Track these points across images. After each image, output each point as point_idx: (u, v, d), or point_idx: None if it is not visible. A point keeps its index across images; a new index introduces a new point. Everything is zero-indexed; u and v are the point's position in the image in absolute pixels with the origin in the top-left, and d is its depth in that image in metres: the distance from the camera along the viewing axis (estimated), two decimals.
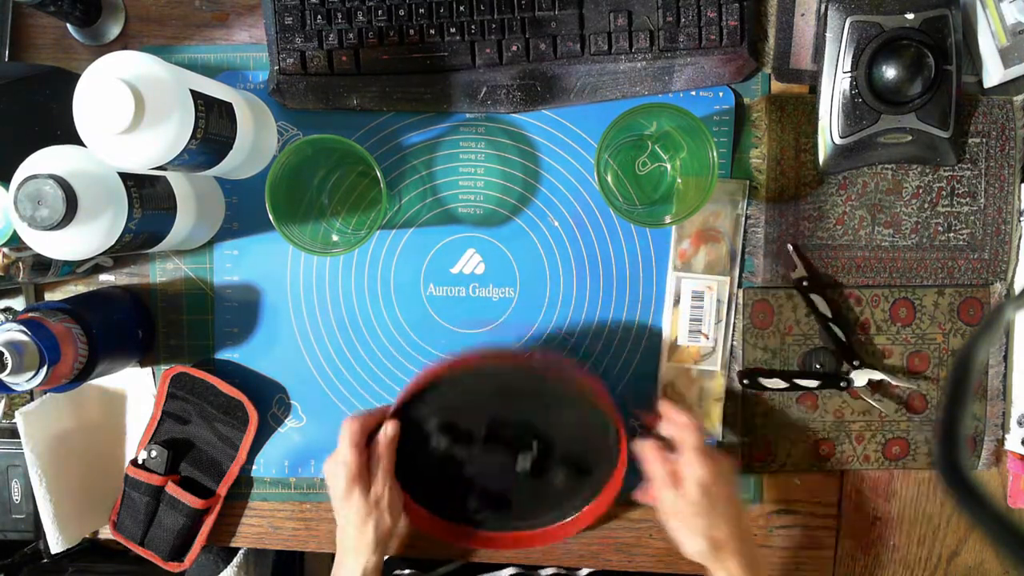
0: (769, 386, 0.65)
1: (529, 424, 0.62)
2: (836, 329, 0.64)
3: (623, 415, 0.62)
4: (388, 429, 0.60)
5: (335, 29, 0.61)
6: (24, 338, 0.53)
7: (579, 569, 0.73)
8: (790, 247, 0.65)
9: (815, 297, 0.64)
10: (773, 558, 0.69)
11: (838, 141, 0.62)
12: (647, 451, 0.59)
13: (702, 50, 0.63)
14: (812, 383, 0.64)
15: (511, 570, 0.73)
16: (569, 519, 0.65)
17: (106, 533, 0.68)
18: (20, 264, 0.59)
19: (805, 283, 0.64)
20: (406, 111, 0.65)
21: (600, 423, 0.62)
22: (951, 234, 0.66)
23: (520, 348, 0.66)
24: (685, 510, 0.57)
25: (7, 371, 0.51)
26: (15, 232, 0.54)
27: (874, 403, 0.66)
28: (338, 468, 0.59)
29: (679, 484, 0.57)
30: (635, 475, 0.62)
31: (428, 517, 0.65)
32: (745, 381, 0.65)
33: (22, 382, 0.53)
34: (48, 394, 0.65)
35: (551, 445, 0.63)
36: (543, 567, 0.72)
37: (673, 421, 0.60)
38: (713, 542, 0.56)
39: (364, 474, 0.59)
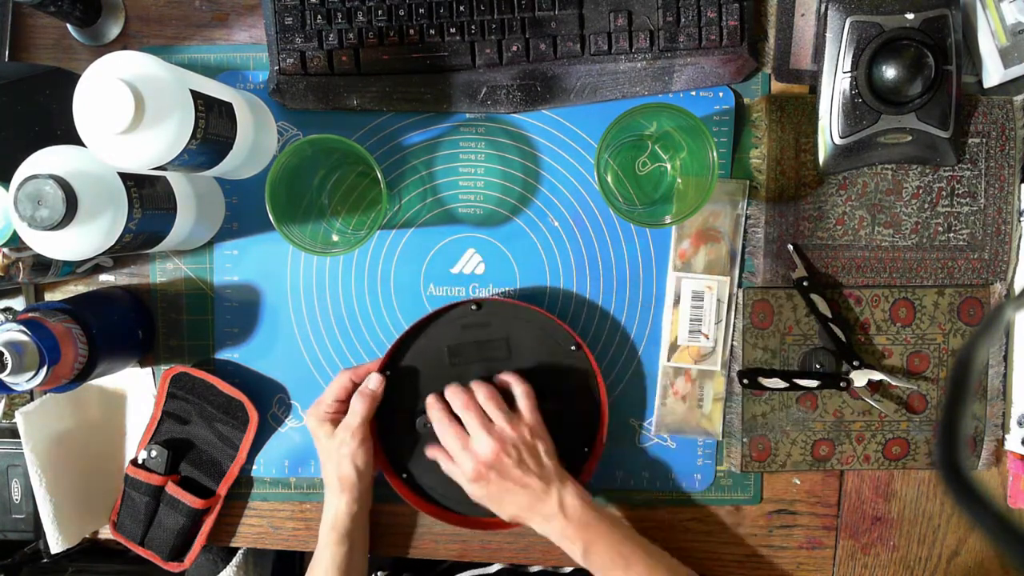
0: (769, 386, 0.65)
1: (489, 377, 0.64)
2: (836, 329, 0.64)
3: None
4: (371, 382, 0.62)
5: (335, 29, 0.61)
6: (24, 338, 0.53)
7: (564, 567, 0.73)
8: (790, 247, 0.65)
9: (815, 297, 0.64)
10: (773, 558, 0.69)
11: (838, 141, 0.62)
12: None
13: (702, 50, 0.63)
14: (812, 383, 0.64)
15: (498, 566, 0.73)
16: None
17: (106, 533, 0.68)
18: (20, 264, 0.59)
19: (805, 283, 0.64)
20: (406, 111, 0.65)
21: (559, 343, 0.64)
22: (951, 234, 0.66)
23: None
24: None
25: (7, 371, 0.51)
26: (15, 232, 0.54)
27: (874, 403, 0.66)
28: (315, 409, 0.62)
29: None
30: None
31: (411, 496, 0.65)
32: (745, 381, 0.65)
33: (22, 382, 0.53)
34: (48, 394, 0.65)
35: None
36: (532, 566, 0.72)
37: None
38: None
39: (334, 419, 0.62)
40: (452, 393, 0.61)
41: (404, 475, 0.65)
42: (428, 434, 0.63)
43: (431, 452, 0.62)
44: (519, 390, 0.61)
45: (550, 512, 0.58)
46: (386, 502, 0.67)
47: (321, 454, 0.63)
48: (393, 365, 0.64)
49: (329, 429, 0.61)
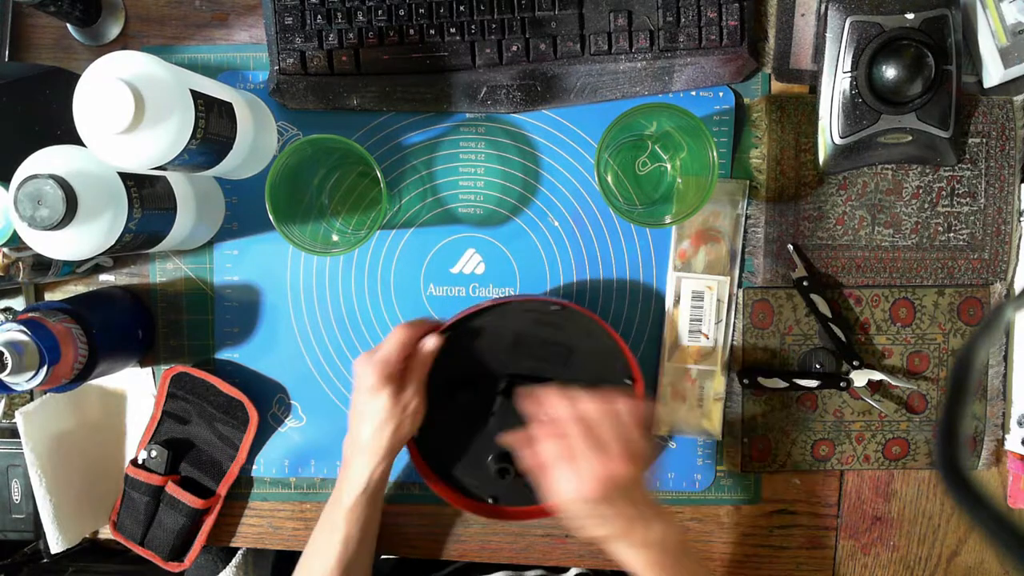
0: (769, 386, 0.65)
1: (547, 379, 0.63)
2: (836, 329, 0.64)
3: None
4: (431, 342, 0.60)
5: (335, 29, 0.61)
6: (24, 338, 0.53)
7: (568, 569, 0.73)
8: (790, 247, 0.65)
9: (815, 297, 0.64)
10: (773, 558, 0.69)
11: (838, 141, 0.62)
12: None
13: (702, 50, 0.63)
14: (812, 383, 0.64)
15: (504, 573, 0.73)
16: None
17: (106, 533, 0.68)
18: (20, 264, 0.59)
19: (805, 283, 0.64)
20: (406, 111, 0.65)
21: (617, 375, 0.63)
22: (951, 234, 0.66)
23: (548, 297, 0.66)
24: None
25: (7, 371, 0.51)
26: (15, 232, 0.54)
27: (874, 403, 0.66)
28: (375, 364, 0.57)
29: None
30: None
31: (432, 478, 0.65)
32: (745, 381, 0.65)
33: (22, 382, 0.53)
34: (48, 394, 0.65)
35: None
36: (534, 567, 0.72)
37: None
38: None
39: (398, 377, 0.58)
40: (583, 402, 0.55)
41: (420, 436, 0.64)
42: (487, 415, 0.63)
43: (540, 440, 0.55)
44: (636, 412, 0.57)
45: (651, 540, 0.54)
46: (386, 502, 0.67)
47: (375, 413, 0.58)
48: (453, 328, 0.62)
49: (394, 389, 0.57)
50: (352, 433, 0.60)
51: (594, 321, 0.63)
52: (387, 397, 0.57)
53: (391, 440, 0.58)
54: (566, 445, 0.53)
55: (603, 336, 0.63)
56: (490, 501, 0.65)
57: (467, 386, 0.63)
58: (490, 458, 0.64)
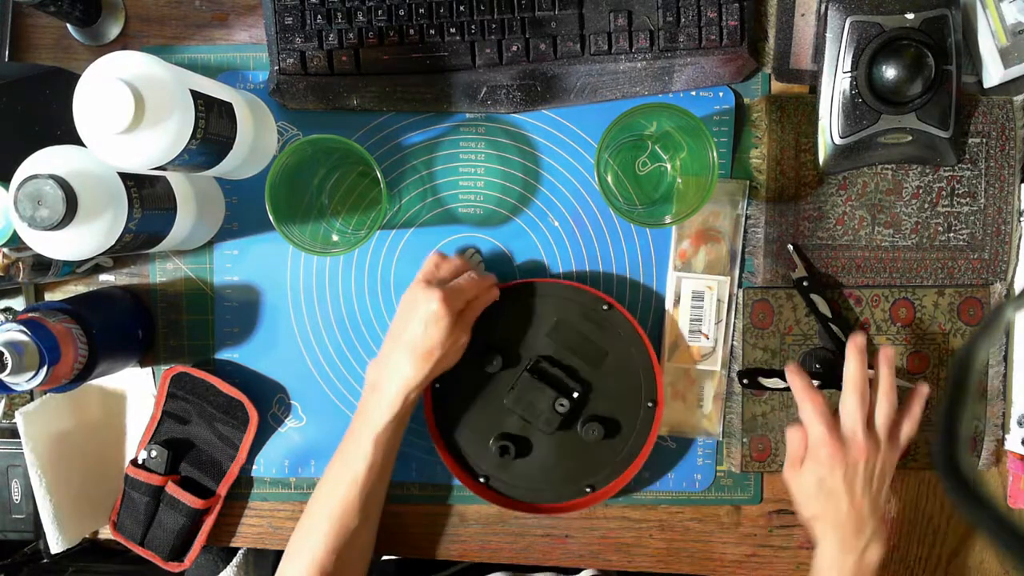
0: (769, 386, 0.65)
1: (575, 372, 0.64)
2: (836, 329, 0.64)
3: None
4: (495, 292, 0.61)
5: (335, 29, 0.61)
6: (24, 338, 0.53)
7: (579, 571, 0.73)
8: (790, 247, 0.65)
9: (815, 297, 0.64)
10: (773, 558, 0.69)
11: (838, 141, 0.62)
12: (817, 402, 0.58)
13: (702, 50, 0.63)
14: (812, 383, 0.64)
15: (503, 574, 0.73)
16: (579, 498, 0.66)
17: (106, 533, 0.68)
18: (20, 264, 0.59)
19: (805, 283, 0.64)
20: (406, 111, 0.65)
21: (643, 393, 0.64)
22: (951, 234, 0.66)
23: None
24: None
25: (7, 371, 0.51)
26: (15, 232, 0.54)
27: None
28: (446, 291, 0.56)
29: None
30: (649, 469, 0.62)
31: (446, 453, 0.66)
32: (745, 381, 0.65)
33: (22, 382, 0.53)
34: (48, 394, 0.65)
35: (587, 400, 0.64)
36: (540, 569, 0.72)
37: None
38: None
39: (457, 313, 0.57)
40: (859, 368, 0.57)
41: (438, 385, 0.65)
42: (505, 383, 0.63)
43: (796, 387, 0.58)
44: (913, 415, 0.59)
45: (853, 546, 0.55)
46: (386, 502, 0.67)
47: (428, 337, 0.56)
48: (504, 291, 0.63)
49: (454, 320, 0.56)
50: (390, 355, 0.58)
51: (638, 334, 0.64)
52: (447, 325, 0.56)
53: (434, 368, 0.57)
54: (863, 400, 0.56)
55: (641, 351, 0.64)
56: (481, 480, 0.65)
57: (495, 352, 0.63)
58: (495, 435, 0.64)
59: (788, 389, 0.64)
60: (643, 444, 0.64)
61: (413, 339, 0.57)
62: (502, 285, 0.63)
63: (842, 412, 0.58)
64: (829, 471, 0.56)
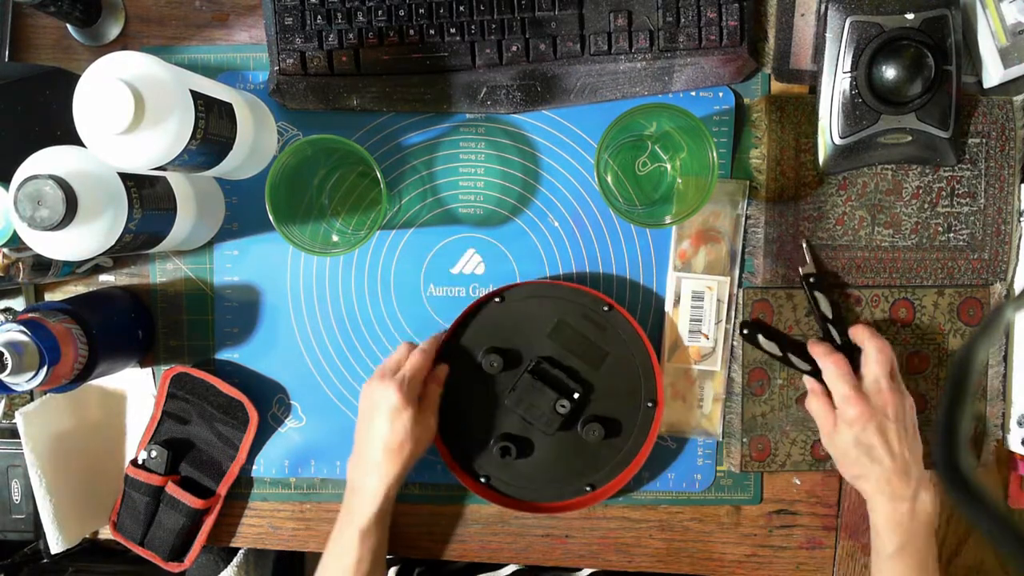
0: (764, 348, 0.64)
1: (575, 372, 0.64)
2: (835, 332, 0.64)
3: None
4: (441, 371, 0.63)
5: (335, 29, 0.61)
6: (24, 338, 0.53)
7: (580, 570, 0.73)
8: (803, 244, 0.64)
9: (819, 295, 0.64)
10: (773, 558, 0.69)
11: (838, 141, 0.62)
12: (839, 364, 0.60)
13: (702, 50, 0.63)
14: (804, 365, 0.64)
15: (512, 567, 0.73)
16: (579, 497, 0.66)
17: (106, 533, 0.68)
18: (20, 264, 0.59)
19: (812, 279, 0.64)
20: (406, 111, 0.65)
21: (643, 393, 0.65)
22: (951, 234, 0.66)
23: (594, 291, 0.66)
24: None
25: (7, 371, 0.51)
26: (15, 232, 0.54)
27: None
28: (399, 384, 0.59)
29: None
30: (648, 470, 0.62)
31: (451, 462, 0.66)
32: (745, 331, 0.64)
33: (22, 382, 0.53)
34: (48, 394, 0.65)
35: (587, 401, 0.64)
36: (542, 567, 0.72)
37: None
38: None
39: (416, 401, 0.60)
40: (873, 337, 0.60)
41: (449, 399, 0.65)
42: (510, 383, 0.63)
43: (807, 382, 0.62)
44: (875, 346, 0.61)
45: (902, 495, 0.57)
46: None
47: (395, 433, 0.58)
48: (506, 293, 0.64)
49: (414, 411, 0.59)
50: (362, 454, 0.60)
51: (638, 334, 0.64)
52: (411, 416, 0.59)
53: (408, 460, 0.60)
54: (888, 361, 0.59)
55: (641, 352, 0.64)
56: (482, 480, 0.65)
57: (496, 353, 0.63)
58: (496, 435, 0.65)
59: (782, 357, 0.64)
60: (643, 444, 0.64)
61: (383, 437, 0.59)
62: (503, 288, 0.64)
63: (864, 371, 0.60)
64: (862, 428, 0.57)
